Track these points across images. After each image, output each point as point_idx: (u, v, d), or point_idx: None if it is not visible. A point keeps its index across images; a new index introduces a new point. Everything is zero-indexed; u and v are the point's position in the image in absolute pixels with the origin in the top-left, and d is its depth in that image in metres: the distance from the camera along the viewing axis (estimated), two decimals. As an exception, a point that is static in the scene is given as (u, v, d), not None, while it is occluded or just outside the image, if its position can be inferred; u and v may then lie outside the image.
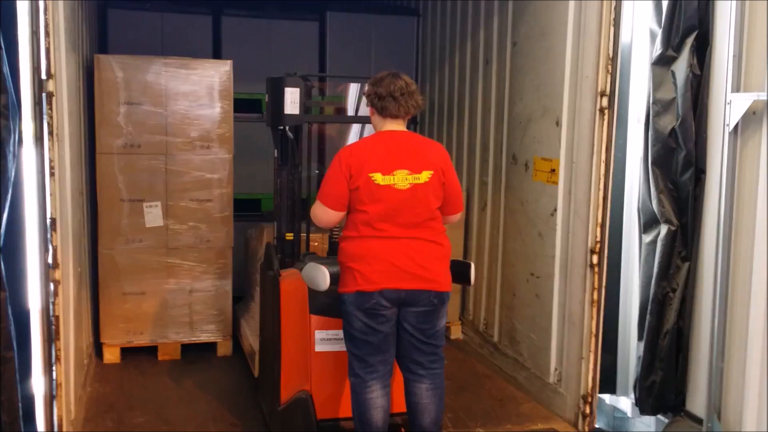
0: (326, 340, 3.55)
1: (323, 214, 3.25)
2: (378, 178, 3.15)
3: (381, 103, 3.22)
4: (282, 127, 3.87)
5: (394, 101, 3.20)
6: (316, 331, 3.54)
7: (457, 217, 3.42)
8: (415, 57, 6.50)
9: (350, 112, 4.27)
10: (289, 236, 3.95)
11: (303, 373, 3.57)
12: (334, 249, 3.58)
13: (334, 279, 3.28)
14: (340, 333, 3.39)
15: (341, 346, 3.43)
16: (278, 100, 3.80)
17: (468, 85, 5.44)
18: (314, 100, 4.15)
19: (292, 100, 3.77)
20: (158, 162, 4.75)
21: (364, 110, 3.52)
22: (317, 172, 3.48)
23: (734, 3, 3.72)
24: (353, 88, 4.18)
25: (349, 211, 3.24)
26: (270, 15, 6.29)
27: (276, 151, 4.02)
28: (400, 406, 3.45)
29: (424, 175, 3.19)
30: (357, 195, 3.17)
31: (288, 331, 3.59)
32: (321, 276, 3.28)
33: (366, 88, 3.34)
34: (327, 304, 3.44)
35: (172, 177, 4.78)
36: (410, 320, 3.25)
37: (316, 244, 4.11)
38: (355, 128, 4.76)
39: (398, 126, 3.28)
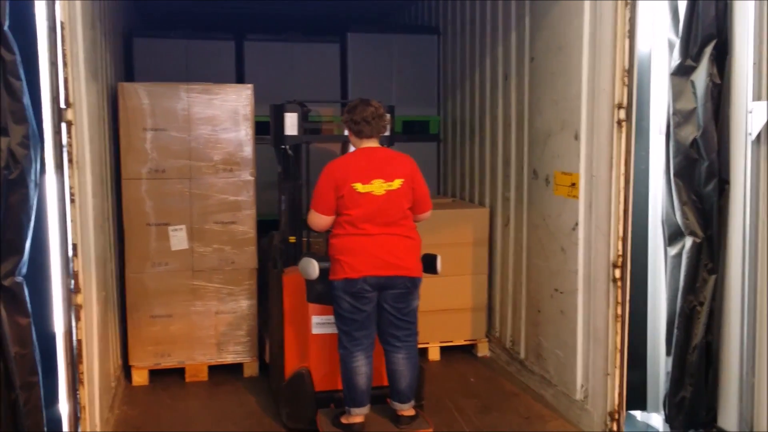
0: (321, 324, 4.17)
1: (317, 219, 3.89)
2: (359, 187, 3.79)
3: (357, 127, 3.87)
4: (283, 146, 4.40)
5: (368, 124, 3.85)
6: (313, 316, 4.17)
7: (427, 215, 4.04)
8: (436, 74, 6.51)
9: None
10: (292, 239, 4.48)
11: (303, 353, 4.23)
12: None
13: (325, 272, 3.88)
14: (333, 318, 3.99)
15: (334, 329, 4.02)
16: (279, 123, 4.34)
17: (488, 101, 5.43)
18: (312, 120, 4.82)
19: (291, 123, 4.31)
20: (183, 186, 4.82)
21: None
22: None
23: (753, 10, 3.67)
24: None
25: (337, 214, 3.86)
26: (291, 39, 6.35)
27: (279, 167, 4.55)
28: (386, 379, 4.05)
29: (396, 183, 3.84)
30: (342, 202, 3.81)
31: (290, 317, 4.26)
32: (311, 267, 3.89)
33: (343, 115, 3.95)
34: (321, 293, 4.00)
35: (197, 200, 4.85)
36: (389, 301, 3.88)
37: (318, 247, 4.58)
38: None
39: (373, 143, 3.93)
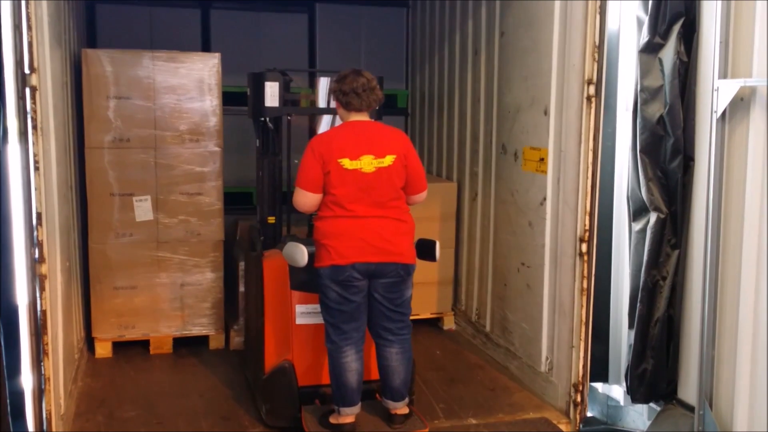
0: (306, 313, 3.83)
1: (303, 197, 3.53)
2: (346, 163, 3.45)
3: (345, 99, 3.53)
4: (263, 119, 4.10)
5: (357, 96, 3.50)
6: (297, 306, 3.82)
7: (422, 196, 3.69)
8: (405, 47, 6.48)
9: (323, 103, 4.55)
10: (271, 220, 4.19)
11: (285, 345, 3.86)
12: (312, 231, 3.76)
13: (312, 257, 3.56)
14: (319, 307, 3.66)
15: (320, 319, 3.69)
16: (259, 93, 4.03)
17: (457, 76, 5.42)
18: (293, 92, 4.45)
19: (272, 94, 4.01)
20: (148, 156, 4.73)
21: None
22: (296, 162, 3.73)
23: (720, -11, 3.71)
24: (325, 81, 4.34)
25: (323, 194, 3.51)
26: (259, 8, 6.25)
27: (258, 141, 4.26)
28: (375, 373, 3.77)
29: (388, 159, 3.49)
30: (329, 179, 3.46)
31: (270, 305, 3.89)
32: (299, 253, 3.57)
33: (331, 85, 3.61)
34: (306, 281, 3.70)
35: (162, 171, 4.77)
36: (380, 290, 3.55)
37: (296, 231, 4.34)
38: (328, 118, 4.84)
39: (362, 117, 3.58)
